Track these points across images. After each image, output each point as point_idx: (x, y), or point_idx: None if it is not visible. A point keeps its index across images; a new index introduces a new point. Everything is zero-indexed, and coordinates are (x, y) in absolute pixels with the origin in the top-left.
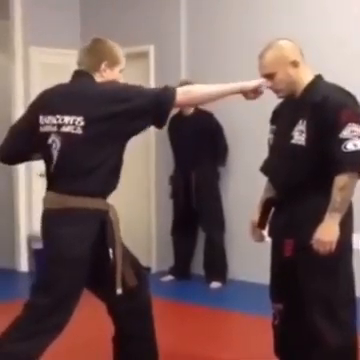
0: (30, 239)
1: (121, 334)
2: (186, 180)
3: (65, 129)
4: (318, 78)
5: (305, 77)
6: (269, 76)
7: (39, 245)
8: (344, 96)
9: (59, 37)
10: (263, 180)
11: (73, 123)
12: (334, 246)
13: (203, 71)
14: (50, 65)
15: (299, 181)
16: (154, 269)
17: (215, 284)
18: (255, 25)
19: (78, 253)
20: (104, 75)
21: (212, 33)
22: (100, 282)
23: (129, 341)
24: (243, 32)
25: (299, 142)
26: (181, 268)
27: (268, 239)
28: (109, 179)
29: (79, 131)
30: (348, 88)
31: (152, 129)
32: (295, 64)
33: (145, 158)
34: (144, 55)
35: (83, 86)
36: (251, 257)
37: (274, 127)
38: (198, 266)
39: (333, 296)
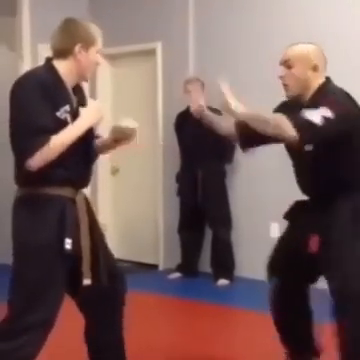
0: None
1: (90, 336)
2: (193, 178)
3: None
4: (327, 81)
5: (317, 83)
6: (286, 64)
7: None
8: (341, 96)
9: None
10: (269, 177)
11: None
12: None
13: (211, 68)
14: None
15: (323, 188)
16: (161, 266)
17: (222, 281)
18: (263, 23)
19: (37, 239)
20: (79, 57)
21: (220, 30)
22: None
23: (98, 345)
24: (251, 29)
25: (309, 148)
26: (188, 265)
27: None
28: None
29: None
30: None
31: (160, 126)
32: (315, 68)
33: (152, 156)
34: (152, 52)
35: (22, 75)
36: (258, 254)
37: None
38: (205, 263)
39: None
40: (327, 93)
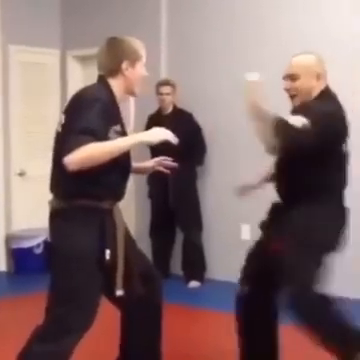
0: (8, 239)
1: (126, 341)
2: (164, 180)
3: (58, 128)
4: (324, 91)
5: (319, 89)
6: (291, 77)
7: (17, 245)
8: (324, 106)
9: (38, 35)
10: (239, 179)
11: (60, 121)
12: None
13: (182, 70)
14: (29, 64)
15: (289, 191)
16: None
17: (193, 283)
18: (234, 24)
19: (79, 249)
20: (126, 74)
21: (192, 32)
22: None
23: (128, 352)
24: (222, 31)
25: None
26: (160, 268)
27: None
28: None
29: (59, 129)
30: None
31: (130, 128)
32: (319, 77)
33: None
34: None
35: (82, 89)
36: (229, 256)
37: None
38: (177, 266)
39: None
40: (313, 106)
